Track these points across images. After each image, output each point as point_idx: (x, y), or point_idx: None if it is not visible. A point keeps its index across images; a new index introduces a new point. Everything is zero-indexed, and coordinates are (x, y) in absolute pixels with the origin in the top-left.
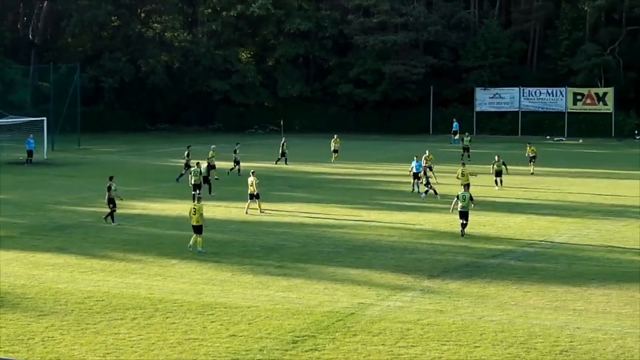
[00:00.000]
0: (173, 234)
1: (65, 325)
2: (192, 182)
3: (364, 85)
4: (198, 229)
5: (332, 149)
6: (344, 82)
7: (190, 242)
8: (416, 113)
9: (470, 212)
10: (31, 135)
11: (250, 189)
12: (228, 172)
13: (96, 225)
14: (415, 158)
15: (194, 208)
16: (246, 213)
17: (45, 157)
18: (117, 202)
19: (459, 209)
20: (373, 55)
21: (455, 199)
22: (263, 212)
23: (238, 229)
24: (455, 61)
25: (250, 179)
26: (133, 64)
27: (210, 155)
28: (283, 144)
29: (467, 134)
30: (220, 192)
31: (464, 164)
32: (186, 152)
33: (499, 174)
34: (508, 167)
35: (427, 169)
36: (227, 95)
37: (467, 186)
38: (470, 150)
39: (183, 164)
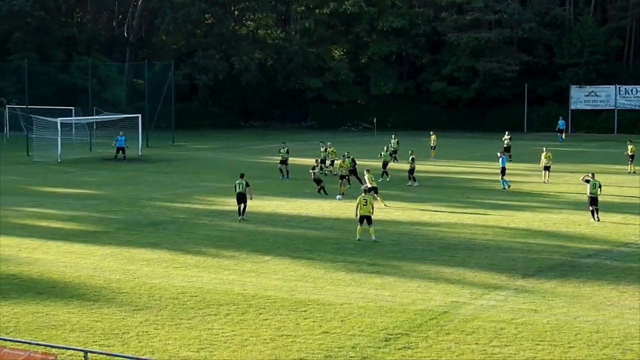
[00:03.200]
0: (266, 231)
1: (159, 320)
2: (313, 178)
3: (458, 83)
4: (368, 219)
5: (431, 145)
6: (437, 80)
7: (358, 236)
8: (510, 111)
9: (568, 211)
10: (121, 133)
11: (371, 184)
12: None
13: (190, 221)
14: (498, 154)
15: (364, 199)
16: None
17: (139, 154)
18: (246, 198)
19: (589, 195)
20: (467, 52)
21: (588, 185)
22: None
23: (331, 226)
24: (550, 58)
25: (367, 176)
26: (227, 62)
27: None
28: (391, 142)
29: (507, 132)
30: (313, 189)
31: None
32: (325, 149)
33: (547, 168)
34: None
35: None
36: (320, 92)
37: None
38: (511, 150)
39: (320, 160)
